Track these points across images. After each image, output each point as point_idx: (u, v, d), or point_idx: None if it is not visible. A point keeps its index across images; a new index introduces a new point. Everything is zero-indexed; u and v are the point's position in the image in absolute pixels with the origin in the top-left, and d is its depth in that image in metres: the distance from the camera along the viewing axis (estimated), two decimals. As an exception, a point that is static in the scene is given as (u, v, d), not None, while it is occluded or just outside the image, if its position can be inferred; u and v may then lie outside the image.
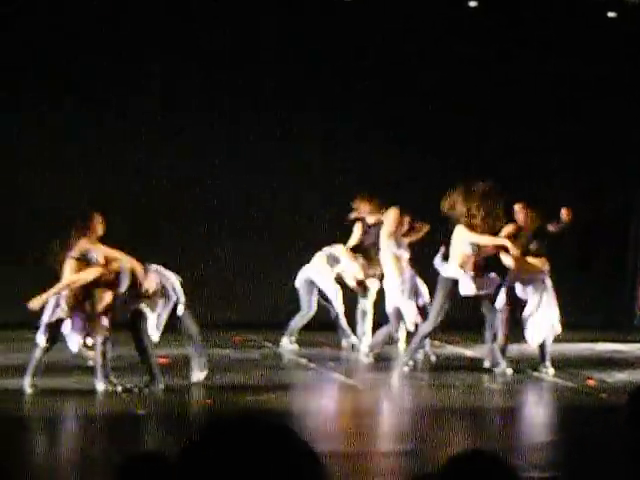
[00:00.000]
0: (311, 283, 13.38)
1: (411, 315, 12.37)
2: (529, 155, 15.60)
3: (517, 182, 14.14)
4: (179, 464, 1.57)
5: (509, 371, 11.64)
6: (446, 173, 14.05)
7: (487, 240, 11.72)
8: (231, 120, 15.30)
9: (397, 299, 12.42)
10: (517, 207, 11.99)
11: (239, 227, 15.23)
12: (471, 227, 11.63)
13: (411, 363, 12.02)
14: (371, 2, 15.44)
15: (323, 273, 13.33)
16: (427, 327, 11.88)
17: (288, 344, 13.30)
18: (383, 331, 12.72)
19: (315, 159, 15.53)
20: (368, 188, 13.46)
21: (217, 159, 15.26)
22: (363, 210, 13.29)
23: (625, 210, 16.51)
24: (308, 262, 13.48)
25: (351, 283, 13.40)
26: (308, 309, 13.37)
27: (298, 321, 13.37)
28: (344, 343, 13.36)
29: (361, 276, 13.32)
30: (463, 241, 11.68)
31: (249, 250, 15.08)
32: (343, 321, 13.39)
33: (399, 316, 12.50)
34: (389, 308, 12.53)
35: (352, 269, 13.32)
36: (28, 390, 9.97)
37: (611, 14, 15.56)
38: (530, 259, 11.76)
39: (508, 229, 11.85)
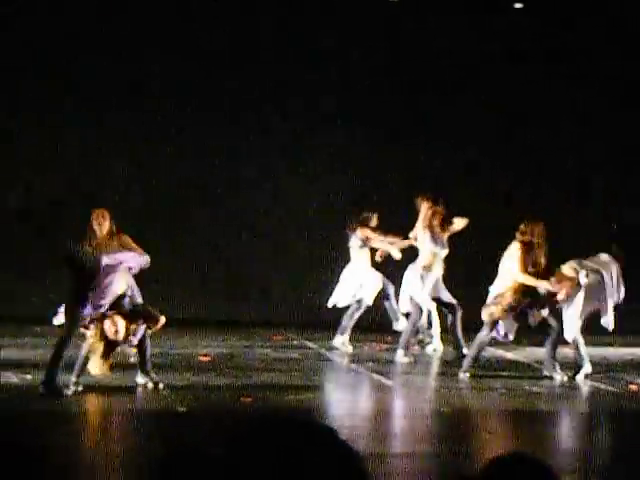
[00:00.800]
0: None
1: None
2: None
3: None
4: (225, 460, 1.58)
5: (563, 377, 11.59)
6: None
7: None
8: (260, 124, 15.26)
9: (418, 294, 12.52)
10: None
11: (276, 227, 15.22)
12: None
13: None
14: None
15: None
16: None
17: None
18: (408, 328, 12.77)
19: (350, 159, 15.47)
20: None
21: (249, 160, 15.29)
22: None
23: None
24: (345, 263, 13.52)
25: None
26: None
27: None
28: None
29: None
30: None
31: (287, 250, 15.07)
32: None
33: (419, 308, 12.61)
34: (408, 302, 12.66)
35: None
36: (72, 387, 10.02)
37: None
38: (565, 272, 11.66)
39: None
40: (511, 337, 11.72)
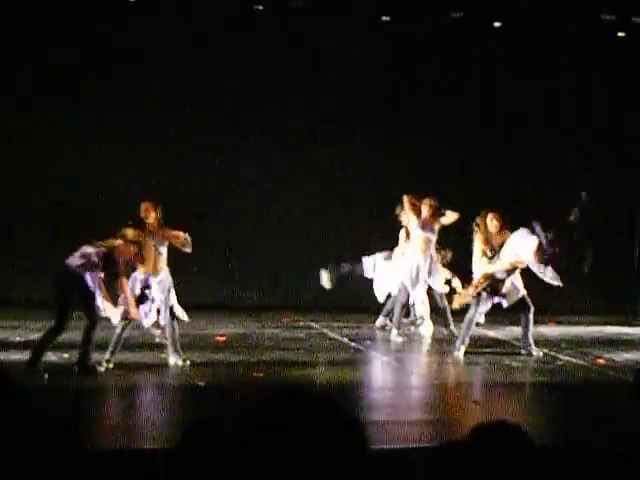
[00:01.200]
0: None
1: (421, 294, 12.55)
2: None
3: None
4: (240, 430, 1.58)
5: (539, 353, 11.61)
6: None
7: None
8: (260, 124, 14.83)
9: (412, 278, 12.47)
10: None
11: (279, 223, 14.84)
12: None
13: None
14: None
15: None
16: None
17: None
18: (397, 308, 12.78)
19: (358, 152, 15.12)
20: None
21: (249, 160, 14.85)
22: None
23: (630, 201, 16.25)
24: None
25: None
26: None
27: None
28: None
29: None
30: None
31: (293, 245, 14.82)
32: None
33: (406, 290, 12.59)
34: (399, 285, 12.66)
35: None
36: (104, 364, 10.03)
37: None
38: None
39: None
40: (482, 319, 11.75)
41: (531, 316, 11.56)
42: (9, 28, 14.08)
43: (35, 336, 10.51)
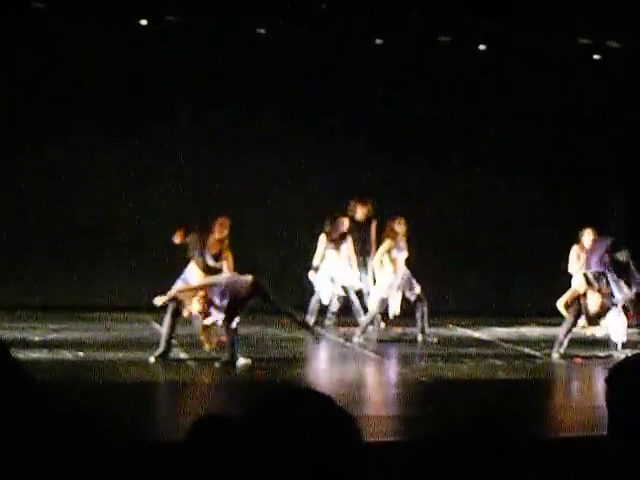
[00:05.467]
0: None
1: (395, 307, 12.57)
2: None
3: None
4: (243, 425, 1.61)
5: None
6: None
7: None
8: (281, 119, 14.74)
9: (386, 292, 12.49)
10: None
11: (287, 226, 14.72)
12: None
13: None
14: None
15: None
16: None
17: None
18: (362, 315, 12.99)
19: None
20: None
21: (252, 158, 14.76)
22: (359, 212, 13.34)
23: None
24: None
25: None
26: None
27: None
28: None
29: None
30: None
31: (297, 240, 14.58)
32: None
33: (384, 305, 12.63)
34: (374, 298, 12.71)
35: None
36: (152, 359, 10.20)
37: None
38: None
39: None
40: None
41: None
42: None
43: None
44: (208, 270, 10.91)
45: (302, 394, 1.69)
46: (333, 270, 13.29)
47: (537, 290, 14.23)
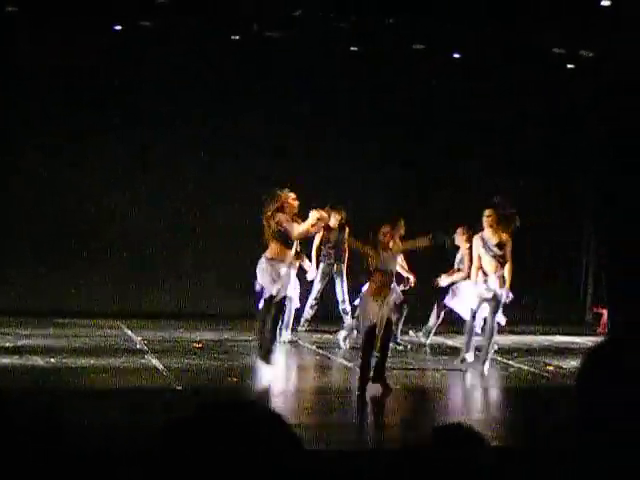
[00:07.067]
0: None
1: None
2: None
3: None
4: (161, 442, 1.53)
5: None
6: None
7: None
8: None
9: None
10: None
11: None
12: None
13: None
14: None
15: None
16: None
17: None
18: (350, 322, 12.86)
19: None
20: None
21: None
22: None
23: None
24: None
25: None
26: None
27: None
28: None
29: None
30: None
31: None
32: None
33: None
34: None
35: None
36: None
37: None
38: None
39: None
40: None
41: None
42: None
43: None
44: None
45: (240, 405, 1.61)
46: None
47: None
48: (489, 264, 10.88)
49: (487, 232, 10.89)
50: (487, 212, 10.91)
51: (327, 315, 13.86)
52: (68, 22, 13.36)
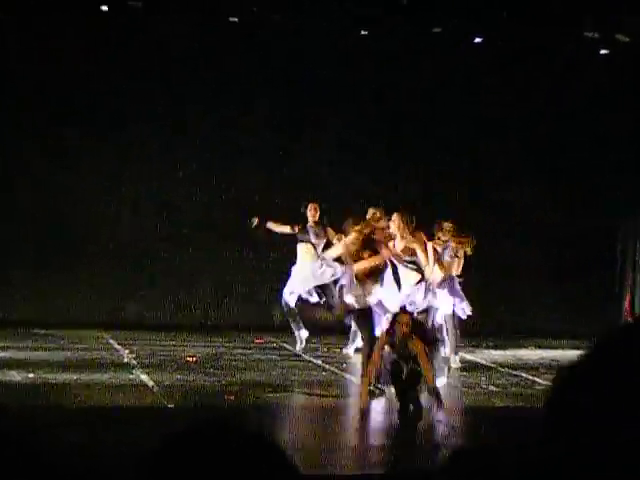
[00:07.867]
0: None
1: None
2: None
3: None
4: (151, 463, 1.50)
5: None
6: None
7: None
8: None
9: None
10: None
11: (260, 243, 14.47)
12: None
13: None
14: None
15: None
16: None
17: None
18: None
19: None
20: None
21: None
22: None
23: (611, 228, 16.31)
24: None
25: None
26: None
27: None
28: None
29: None
30: None
31: (270, 261, 14.69)
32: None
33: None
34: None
35: None
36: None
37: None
38: None
39: None
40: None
41: None
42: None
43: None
44: None
45: (228, 433, 1.55)
46: None
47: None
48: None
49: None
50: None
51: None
52: (60, 18, 13.48)
